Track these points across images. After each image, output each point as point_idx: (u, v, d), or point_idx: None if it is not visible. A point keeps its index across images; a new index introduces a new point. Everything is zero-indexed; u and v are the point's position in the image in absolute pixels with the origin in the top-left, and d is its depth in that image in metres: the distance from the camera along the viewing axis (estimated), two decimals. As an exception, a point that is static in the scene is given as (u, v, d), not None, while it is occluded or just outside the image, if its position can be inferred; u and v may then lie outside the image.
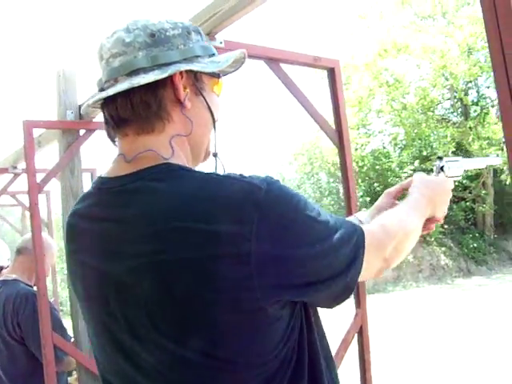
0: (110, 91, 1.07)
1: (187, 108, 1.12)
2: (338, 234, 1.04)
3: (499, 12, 1.26)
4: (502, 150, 18.74)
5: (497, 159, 1.93)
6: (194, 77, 1.13)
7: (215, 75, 1.19)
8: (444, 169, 1.58)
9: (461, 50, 18.56)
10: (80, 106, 4.94)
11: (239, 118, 38.51)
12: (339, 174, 20.05)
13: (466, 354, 8.26)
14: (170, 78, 1.08)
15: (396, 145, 22.67)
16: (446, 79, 19.80)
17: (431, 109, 20.47)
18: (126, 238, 1.03)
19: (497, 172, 20.75)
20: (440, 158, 1.61)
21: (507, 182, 19.44)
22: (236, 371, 1.01)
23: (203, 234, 0.94)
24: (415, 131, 20.31)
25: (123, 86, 1.06)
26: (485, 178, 20.79)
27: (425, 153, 21.28)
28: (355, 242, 1.07)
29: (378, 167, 21.09)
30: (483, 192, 21.02)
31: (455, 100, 20.92)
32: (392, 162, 21.56)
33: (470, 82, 20.90)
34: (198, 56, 1.13)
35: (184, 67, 1.09)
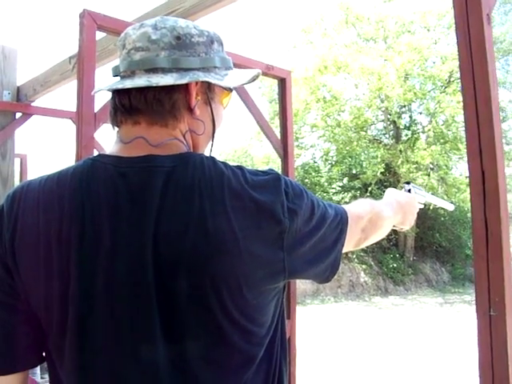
0: (128, 84, 1.08)
1: (196, 114, 1.14)
2: (333, 215, 1.19)
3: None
4: (429, 175, 19.31)
5: (450, 206, 2.14)
6: (208, 86, 1.16)
7: (227, 88, 1.21)
8: (410, 191, 1.74)
9: (398, 75, 19.01)
10: (19, 88, 4.72)
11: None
12: (269, 184, 20.21)
13: (379, 367, 8.40)
14: (186, 84, 1.10)
15: (327, 160, 22.98)
16: (382, 101, 20.23)
17: (364, 128, 20.86)
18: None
19: (421, 196, 21.35)
20: (408, 183, 1.78)
21: (430, 207, 20.01)
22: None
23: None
24: (347, 149, 20.65)
25: (141, 82, 1.07)
26: (410, 201, 21.32)
27: (354, 171, 21.69)
28: (340, 218, 1.21)
29: (307, 180, 21.30)
30: (407, 214, 21.54)
31: (388, 122, 21.40)
32: (321, 176, 21.84)
33: (404, 106, 21.45)
34: (216, 67, 1.15)
35: (202, 77, 1.10)
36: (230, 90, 1.23)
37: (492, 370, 1.43)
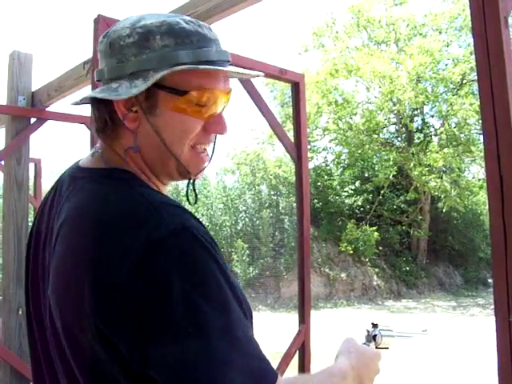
0: (89, 94, 1.05)
1: (131, 128, 1.01)
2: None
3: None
4: (441, 178, 19.21)
5: (424, 334, 1.68)
6: (147, 95, 0.99)
7: (176, 92, 0.99)
8: (376, 338, 1.41)
9: (409, 78, 18.94)
10: (33, 93, 4.75)
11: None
12: (281, 187, 20.18)
13: (392, 371, 8.35)
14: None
15: (339, 163, 22.93)
16: (394, 104, 20.16)
17: (376, 131, 20.80)
18: None
19: (434, 199, 21.26)
20: (375, 326, 1.44)
21: (443, 210, 19.91)
22: None
23: None
24: (359, 152, 20.59)
25: (89, 93, 1.05)
26: (422, 203, 21.25)
27: (366, 174, 21.62)
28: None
29: (319, 184, 21.26)
30: (420, 217, 21.46)
31: (400, 125, 21.32)
32: (334, 180, 21.79)
33: (416, 109, 21.37)
34: (149, 69, 0.97)
35: (96, 94, 1.00)
36: (180, 93, 1.00)
37: (512, 376, 1.41)
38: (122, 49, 0.99)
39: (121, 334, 0.81)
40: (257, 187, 20.45)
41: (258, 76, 1.15)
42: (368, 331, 1.42)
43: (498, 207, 1.46)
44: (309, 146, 21.44)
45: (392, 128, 22.72)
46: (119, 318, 0.81)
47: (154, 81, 0.96)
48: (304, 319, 3.13)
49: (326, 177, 21.78)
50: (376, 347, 1.39)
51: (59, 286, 0.91)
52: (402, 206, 21.29)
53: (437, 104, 20.29)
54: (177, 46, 0.98)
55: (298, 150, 3.43)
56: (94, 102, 1.03)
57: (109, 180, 1.01)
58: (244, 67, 3.25)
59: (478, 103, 1.58)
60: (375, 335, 1.41)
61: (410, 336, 1.61)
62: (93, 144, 2.73)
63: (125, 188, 0.98)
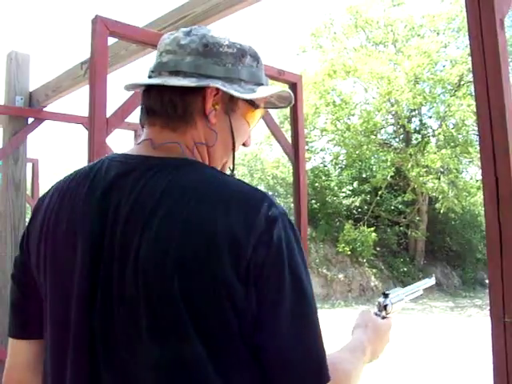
0: (145, 81, 1.14)
1: (212, 122, 1.13)
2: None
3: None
4: (439, 179, 19.24)
5: (432, 280, 1.89)
6: (230, 97, 1.14)
7: (252, 104, 1.19)
8: (387, 307, 1.53)
9: (407, 79, 18.97)
10: (31, 93, 4.76)
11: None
12: (278, 188, 20.20)
13: (390, 372, 8.37)
14: (203, 89, 1.11)
15: (337, 164, 22.96)
16: (392, 105, 20.19)
17: (374, 132, 20.82)
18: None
19: (432, 200, 21.28)
20: (386, 296, 1.56)
21: (441, 211, 19.94)
22: None
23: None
24: (357, 152, 20.59)
25: (157, 80, 1.11)
26: (420, 204, 21.28)
27: (364, 175, 21.65)
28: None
29: (317, 184, 21.29)
30: (417, 218, 21.50)
31: (398, 126, 21.36)
32: (331, 180, 21.82)
33: (414, 110, 21.40)
34: (241, 80, 1.15)
35: (216, 84, 1.10)
36: (255, 106, 1.20)
37: (507, 378, 1.42)
38: (220, 54, 1.13)
39: (241, 296, 0.95)
40: (255, 188, 20.36)
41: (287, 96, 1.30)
42: (379, 302, 1.54)
43: (494, 209, 1.47)
44: (307, 147, 21.43)
45: (390, 129, 22.77)
46: (242, 283, 0.95)
47: (266, 95, 1.18)
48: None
49: (323, 177, 21.80)
50: (387, 314, 1.52)
51: (175, 253, 0.96)
52: (400, 206, 21.32)
53: (434, 105, 20.31)
54: (257, 68, 1.20)
55: (295, 150, 3.44)
56: (182, 89, 1.10)
57: (203, 165, 1.13)
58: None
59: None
60: (386, 305, 1.53)
61: (419, 291, 1.76)
62: (92, 143, 2.72)
63: (224, 174, 1.13)
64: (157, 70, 1.14)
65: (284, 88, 1.27)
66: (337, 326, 13.30)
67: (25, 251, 1.18)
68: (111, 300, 1.00)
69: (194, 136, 1.14)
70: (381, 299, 1.55)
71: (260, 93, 1.17)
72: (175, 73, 1.11)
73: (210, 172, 1.09)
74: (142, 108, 1.20)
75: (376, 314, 1.50)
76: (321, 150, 22.56)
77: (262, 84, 1.20)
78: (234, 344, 0.97)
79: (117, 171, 1.09)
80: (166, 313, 0.96)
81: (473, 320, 14.25)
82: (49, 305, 1.10)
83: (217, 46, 1.13)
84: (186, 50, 1.12)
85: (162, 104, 1.11)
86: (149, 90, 1.14)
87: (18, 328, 1.20)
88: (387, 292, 1.56)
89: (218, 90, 1.12)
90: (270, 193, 20.37)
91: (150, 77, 1.16)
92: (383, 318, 1.50)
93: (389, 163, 19.90)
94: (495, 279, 1.45)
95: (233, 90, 1.12)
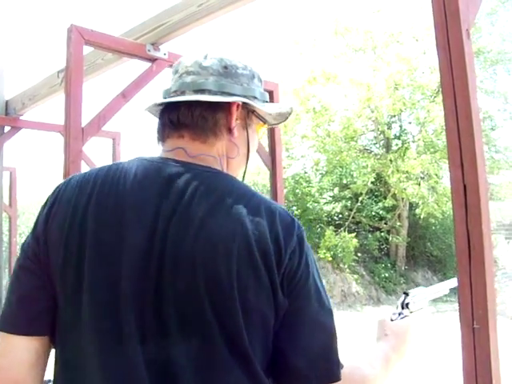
0: (179, 98, 1.23)
1: (234, 136, 1.27)
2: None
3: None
4: (419, 184, 19.37)
5: (454, 282, 1.80)
6: (247, 113, 1.30)
7: (262, 120, 1.35)
8: (409, 306, 1.57)
9: (387, 85, 19.09)
10: (7, 102, 4.73)
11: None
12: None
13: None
14: (229, 105, 1.24)
15: (317, 170, 22.98)
16: (372, 111, 20.29)
17: (354, 138, 20.90)
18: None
19: (412, 205, 21.41)
20: (406, 294, 1.60)
21: (421, 216, 20.06)
22: None
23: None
24: (337, 159, 20.65)
25: (191, 97, 1.22)
26: (401, 210, 21.38)
27: (345, 181, 21.68)
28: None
29: (297, 191, 21.30)
30: (398, 224, 21.58)
31: (378, 132, 21.47)
32: (312, 187, 21.84)
33: (394, 116, 21.52)
34: (255, 97, 1.30)
35: (244, 100, 1.25)
36: (264, 122, 1.36)
37: (476, 382, 1.44)
38: (238, 75, 1.28)
39: (278, 296, 1.08)
40: (235, 194, 20.35)
41: (290, 112, 1.45)
42: (400, 300, 1.58)
43: (462, 215, 1.49)
44: (287, 154, 21.49)
45: (370, 135, 22.85)
46: (279, 283, 1.08)
47: (284, 110, 1.40)
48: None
49: (304, 184, 21.82)
50: (410, 312, 1.55)
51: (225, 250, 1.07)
52: (381, 212, 21.39)
53: (414, 111, 20.46)
54: (262, 88, 1.35)
55: (272, 158, 3.45)
56: (212, 105, 1.23)
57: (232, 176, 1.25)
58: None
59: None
60: (408, 303, 1.57)
61: (444, 290, 1.79)
62: (68, 152, 2.72)
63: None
64: (180, 90, 1.26)
65: (290, 105, 1.44)
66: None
67: (42, 241, 1.18)
68: (162, 294, 1.07)
69: (219, 148, 1.27)
70: (402, 298, 1.59)
71: (276, 108, 1.37)
72: (201, 91, 1.24)
73: (246, 186, 1.23)
74: (163, 123, 1.28)
75: (399, 314, 1.55)
76: (301, 157, 22.60)
77: (267, 101, 1.36)
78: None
79: (169, 171, 1.18)
80: (228, 322, 1.06)
81: (453, 324, 14.32)
82: (88, 291, 1.11)
83: (234, 67, 1.28)
84: (208, 71, 1.26)
85: (193, 117, 1.23)
86: (176, 106, 1.24)
87: (25, 322, 1.16)
88: (407, 291, 1.60)
89: (238, 106, 1.26)
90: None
91: (171, 97, 1.27)
92: (402, 317, 1.54)
93: (369, 169, 19.98)
94: (464, 286, 1.48)
95: (257, 106, 1.28)
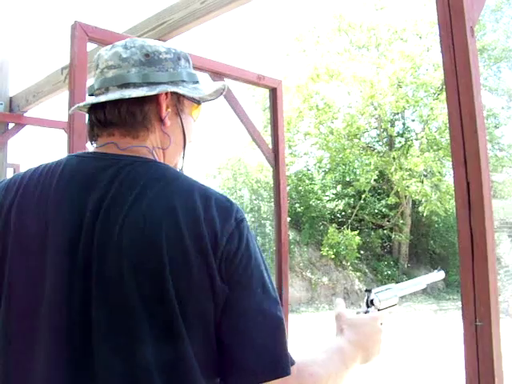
0: (102, 98, 1.17)
1: (166, 125, 1.22)
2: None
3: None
4: (422, 182, 19.35)
5: (440, 274, 1.70)
6: (177, 99, 1.24)
7: (195, 101, 1.30)
8: (374, 302, 1.46)
9: (390, 83, 19.06)
10: (11, 98, 4.74)
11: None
12: (262, 191, 20.18)
13: (374, 374, 8.40)
14: (156, 96, 1.19)
15: (320, 168, 22.97)
16: (375, 109, 20.27)
17: (357, 136, 20.90)
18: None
19: (415, 203, 21.39)
20: (368, 291, 1.48)
21: (424, 214, 20.05)
22: None
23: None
24: (340, 156, 20.66)
25: (115, 95, 1.15)
26: (404, 208, 21.36)
27: (348, 178, 21.68)
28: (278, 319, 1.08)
29: (300, 188, 21.29)
30: (401, 221, 21.57)
31: (381, 130, 21.44)
32: (315, 184, 21.83)
33: (397, 113, 21.51)
34: (183, 81, 1.24)
35: (171, 89, 1.20)
36: (198, 102, 1.32)
37: (478, 379, 1.44)
38: (161, 61, 1.21)
39: (216, 279, 1.03)
40: (238, 192, 20.45)
41: (223, 88, 1.39)
42: (364, 297, 1.48)
43: (465, 213, 1.49)
44: (290, 151, 21.49)
45: (373, 132, 22.85)
46: (217, 268, 1.04)
47: (214, 89, 1.33)
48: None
49: (307, 181, 21.81)
50: (378, 310, 1.45)
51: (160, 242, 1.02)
52: (384, 210, 21.38)
53: (417, 108, 20.44)
54: (190, 68, 1.29)
55: (275, 155, 3.46)
56: (138, 99, 1.17)
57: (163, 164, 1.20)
58: (221, 73, 3.29)
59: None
60: (372, 300, 1.46)
61: (421, 284, 1.65)
62: (72, 149, 2.72)
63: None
64: (103, 86, 1.20)
65: (222, 82, 1.40)
66: (321, 329, 13.34)
67: None
68: (90, 293, 1.02)
69: (152, 141, 1.22)
70: (366, 295, 1.49)
71: (206, 89, 1.30)
72: (125, 85, 1.18)
73: (175, 171, 1.18)
74: (91, 123, 1.23)
75: (365, 312, 1.43)
76: (304, 154, 22.61)
77: (197, 81, 1.30)
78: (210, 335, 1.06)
79: (95, 165, 1.14)
80: (160, 309, 1.01)
81: (456, 322, 14.31)
82: (8, 290, 1.09)
83: (157, 53, 1.22)
84: (129, 62, 1.19)
85: (120, 115, 1.17)
86: (102, 105, 1.19)
87: None
88: (369, 288, 1.50)
89: (166, 94, 1.21)
90: (254, 197, 20.39)
91: (97, 94, 1.21)
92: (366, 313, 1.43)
93: (372, 167, 19.98)
94: (467, 283, 1.48)
95: (185, 91, 1.23)
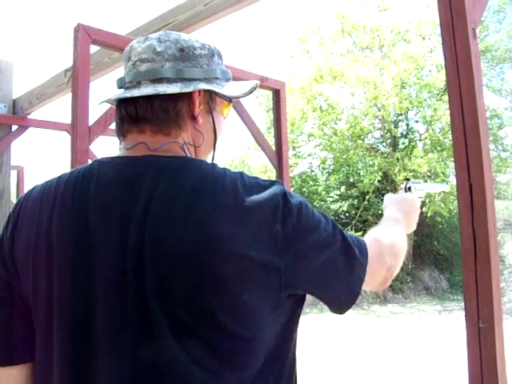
0: (135, 92, 1.12)
1: (199, 123, 1.18)
2: (348, 243, 1.16)
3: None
4: (426, 183, 19.28)
5: (446, 187, 2.19)
6: (210, 96, 1.20)
7: (227, 99, 1.25)
8: (411, 189, 1.82)
9: (394, 84, 19.05)
10: (15, 101, 4.75)
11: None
12: (266, 193, 20.19)
13: (379, 376, 8.38)
14: (190, 93, 1.15)
15: (324, 169, 22.97)
16: (378, 110, 20.25)
17: (361, 137, 20.88)
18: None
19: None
20: (407, 180, 1.85)
21: (428, 215, 20.01)
22: None
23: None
24: (344, 157, 20.65)
25: (148, 90, 1.11)
26: (407, 209, 21.29)
27: (351, 179, 21.68)
28: (360, 251, 1.17)
29: (304, 189, 21.31)
30: (404, 222, 21.49)
31: (385, 131, 21.42)
32: (319, 185, 21.84)
33: (401, 115, 21.48)
34: (217, 78, 1.21)
35: (205, 86, 1.15)
36: (229, 100, 1.27)
37: (481, 381, 1.44)
38: (196, 57, 1.17)
39: (276, 256, 1.01)
40: (242, 193, 20.34)
41: (255, 86, 1.32)
42: (403, 185, 1.85)
43: (468, 215, 1.49)
44: (294, 152, 21.48)
45: (377, 133, 22.82)
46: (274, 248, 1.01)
47: (249, 88, 1.27)
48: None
49: (311, 182, 21.82)
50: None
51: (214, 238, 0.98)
52: (388, 210, 21.35)
53: (421, 109, 20.40)
54: (223, 65, 1.26)
55: (278, 156, 3.46)
56: (171, 95, 1.13)
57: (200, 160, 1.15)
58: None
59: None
60: (409, 187, 1.82)
61: (435, 188, 2.13)
62: (75, 151, 2.72)
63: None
64: (135, 80, 1.14)
65: (255, 81, 1.32)
66: (326, 330, 13.33)
67: (10, 265, 1.12)
68: (147, 300, 0.99)
69: (185, 138, 1.17)
70: (404, 182, 1.85)
71: (242, 88, 1.26)
72: (158, 80, 1.13)
73: (214, 167, 1.13)
74: (121, 117, 1.17)
75: None
76: (308, 155, 22.60)
77: (229, 79, 1.27)
78: None
79: (132, 172, 1.08)
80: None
81: (460, 323, 14.28)
82: (57, 303, 1.05)
83: (191, 49, 1.17)
84: (163, 56, 1.14)
85: (153, 111, 1.12)
86: (133, 99, 1.13)
87: (4, 352, 1.11)
88: (408, 177, 1.85)
89: (200, 92, 1.17)
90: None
91: (128, 87, 1.15)
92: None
93: (376, 168, 19.95)
94: (469, 285, 1.48)
95: (219, 89, 1.19)
